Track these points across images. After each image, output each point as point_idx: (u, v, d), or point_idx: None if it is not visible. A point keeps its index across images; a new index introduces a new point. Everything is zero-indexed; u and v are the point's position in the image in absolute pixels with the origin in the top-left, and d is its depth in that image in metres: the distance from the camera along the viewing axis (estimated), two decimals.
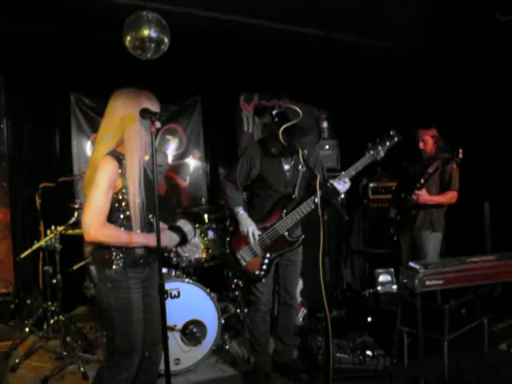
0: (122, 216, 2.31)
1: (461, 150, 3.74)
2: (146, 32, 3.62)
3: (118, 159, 2.26)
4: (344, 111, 6.07)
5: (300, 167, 3.23)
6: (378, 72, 5.71)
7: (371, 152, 3.02)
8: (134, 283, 2.35)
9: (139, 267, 2.38)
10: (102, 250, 2.32)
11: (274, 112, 2.98)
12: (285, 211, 3.17)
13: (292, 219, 3.13)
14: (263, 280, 3.22)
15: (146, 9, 3.74)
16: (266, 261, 3.20)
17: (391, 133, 3.04)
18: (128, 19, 3.69)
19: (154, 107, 2.33)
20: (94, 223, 2.21)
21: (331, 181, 3.01)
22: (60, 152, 5.05)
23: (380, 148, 3.02)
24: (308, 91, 5.80)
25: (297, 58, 5.41)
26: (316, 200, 2.61)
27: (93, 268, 2.26)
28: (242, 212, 3.19)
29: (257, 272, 3.19)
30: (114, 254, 2.31)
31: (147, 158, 2.43)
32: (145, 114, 2.17)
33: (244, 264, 3.19)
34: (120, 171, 2.26)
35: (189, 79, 5.40)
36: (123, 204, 2.30)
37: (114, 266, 2.30)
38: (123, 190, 2.29)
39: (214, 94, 5.68)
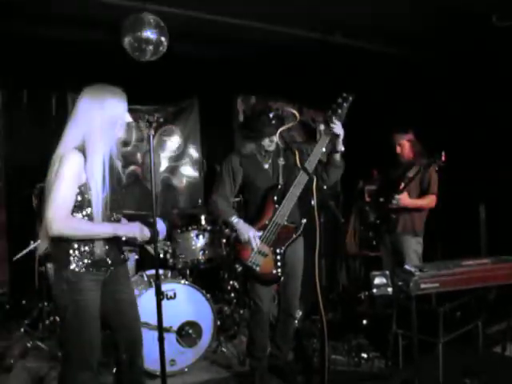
0: (83, 212, 2.26)
1: (443, 153, 3.73)
2: (144, 34, 3.63)
3: (83, 153, 2.22)
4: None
5: (279, 161, 3.26)
6: (376, 75, 5.73)
7: (334, 119, 3.00)
8: (91, 285, 2.29)
9: (99, 269, 2.31)
10: (60, 248, 2.26)
11: (271, 114, 3.00)
12: (277, 203, 3.14)
13: (287, 206, 3.10)
14: (282, 278, 3.18)
15: (145, 10, 3.75)
16: (278, 257, 3.15)
17: (344, 95, 3.04)
18: (126, 21, 3.69)
19: (121, 102, 2.33)
20: (57, 216, 2.16)
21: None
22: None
23: (340, 112, 3.01)
24: (305, 93, 5.82)
25: (294, 61, 5.43)
26: (312, 202, 2.61)
27: (50, 266, 2.21)
28: (236, 220, 3.17)
29: (274, 271, 3.14)
30: (72, 253, 2.25)
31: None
32: (142, 115, 2.19)
33: (258, 269, 3.13)
34: (84, 165, 2.22)
35: (186, 81, 5.41)
36: (85, 200, 2.25)
37: (70, 267, 2.24)
38: (86, 186, 2.24)
39: (212, 96, 5.69)
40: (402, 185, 3.88)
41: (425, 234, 4.09)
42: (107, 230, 2.30)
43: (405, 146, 4.08)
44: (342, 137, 3.04)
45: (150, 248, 3.92)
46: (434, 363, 3.28)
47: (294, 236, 3.19)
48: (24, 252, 3.79)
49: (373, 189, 5.28)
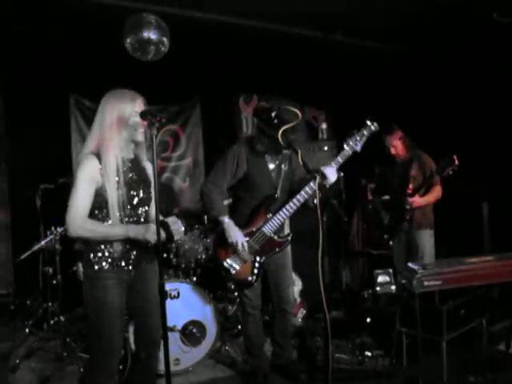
0: (101, 213, 2.35)
1: (455, 157, 3.72)
2: (145, 34, 3.63)
3: (98, 157, 2.31)
4: (342, 112, 6.08)
5: (283, 166, 3.21)
6: (377, 73, 5.73)
7: (350, 143, 3.02)
8: (112, 283, 2.36)
9: (119, 268, 2.39)
10: (87, 249, 2.37)
11: (273, 113, 2.99)
12: (270, 213, 3.12)
13: (278, 220, 3.10)
14: (255, 285, 3.18)
15: (146, 11, 3.76)
16: (257, 265, 3.14)
17: (367, 123, 3.05)
18: (128, 21, 3.70)
19: (128, 104, 2.37)
20: (74, 219, 2.27)
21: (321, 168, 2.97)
22: (60, 153, 5.05)
23: (358, 138, 3.03)
24: (307, 92, 5.82)
25: (296, 60, 5.43)
26: (315, 201, 2.61)
27: (80, 265, 2.35)
28: (227, 221, 3.11)
29: (249, 278, 3.14)
30: (93, 254, 2.35)
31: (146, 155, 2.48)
32: (145, 115, 2.19)
33: (234, 272, 3.13)
34: (100, 167, 2.30)
35: (188, 80, 5.41)
36: (103, 201, 2.33)
37: (92, 265, 2.35)
38: (102, 187, 2.32)
39: (214, 95, 5.69)
40: (412, 187, 3.89)
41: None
42: (119, 232, 2.36)
43: (397, 145, 4.09)
44: (332, 182, 2.98)
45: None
46: (438, 361, 3.28)
47: (277, 250, 3.18)
48: (28, 253, 3.80)
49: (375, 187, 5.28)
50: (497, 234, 4.50)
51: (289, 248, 3.36)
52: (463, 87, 5.22)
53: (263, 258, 3.16)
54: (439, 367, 3.27)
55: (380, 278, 4.14)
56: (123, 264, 2.40)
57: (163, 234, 2.38)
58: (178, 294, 3.55)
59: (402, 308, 3.37)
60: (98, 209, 2.35)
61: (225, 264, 3.13)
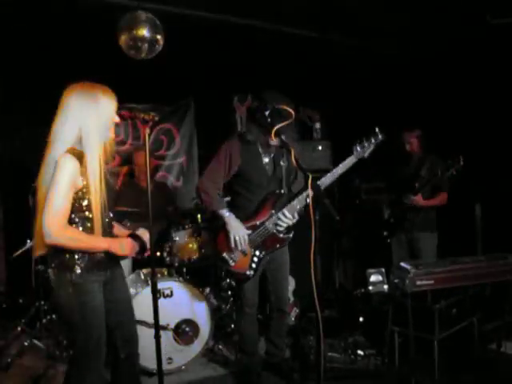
0: (82, 216, 2.25)
1: (461, 158, 3.80)
2: (140, 32, 3.62)
3: (77, 157, 2.19)
4: (337, 112, 6.09)
5: (282, 162, 3.21)
6: (372, 74, 5.74)
7: (358, 150, 3.06)
8: (96, 286, 2.30)
9: (100, 270, 2.32)
10: (63, 252, 2.23)
11: (268, 112, 2.99)
12: (274, 209, 3.13)
13: (286, 219, 3.08)
14: (251, 279, 3.18)
15: (140, 9, 3.75)
16: (256, 259, 3.14)
17: (376, 131, 3.08)
18: (122, 19, 3.69)
19: (112, 101, 2.30)
20: (54, 225, 2.12)
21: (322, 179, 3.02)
22: None
23: (366, 145, 3.06)
24: (301, 92, 5.81)
25: (290, 60, 5.43)
26: (307, 199, 2.62)
27: (50, 271, 2.21)
28: (227, 214, 3.09)
29: (247, 272, 3.14)
30: (76, 256, 2.24)
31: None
32: (138, 113, 2.18)
33: (232, 264, 3.14)
34: (80, 169, 2.19)
35: (182, 80, 5.40)
36: (84, 204, 2.24)
37: (75, 270, 2.23)
38: (84, 190, 2.22)
39: (208, 95, 5.68)
40: (417, 185, 3.93)
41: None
42: (103, 245, 2.29)
43: (414, 143, 4.16)
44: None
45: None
46: (430, 360, 3.30)
47: (278, 247, 3.19)
48: (21, 251, 3.79)
49: (369, 186, 5.29)
50: (489, 235, 4.53)
51: (286, 248, 3.37)
52: (457, 88, 5.24)
53: (263, 252, 3.15)
54: (431, 366, 3.29)
55: (372, 278, 4.16)
56: (103, 265, 2.33)
57: (137, 247, 2.41)
58: (171, 292, 3.55)
59: (394, 307, 3.38)
60: (77, 212, 2.23)
61: (224, 255, 3.13)
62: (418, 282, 3.05)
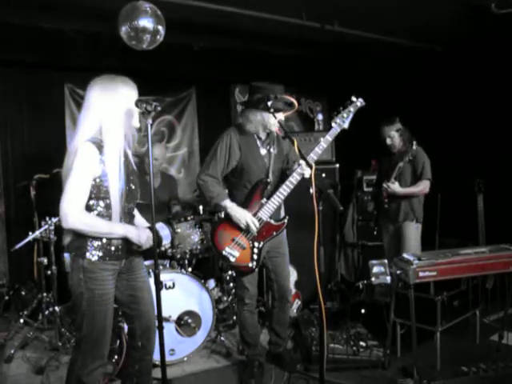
0: (100, 203, 2.29)
1: (415, 142, 3.84)
2: (141, 22, 3.59)
3: (97, 145, 2.23)
4: (339, 104, 6.06)
5: (271, 150, 3.20)
6: (374, 64, 5.71)
7: (338, 121, 3.06)
8: (108, 275, 2.32)
9: (114, 259, 2.35)
10: (79, 238, 2.28)
11: (270, 102, 2.97)
12: (264, 198, 3.11)
13: (273, 204, 3.08)
14: (256, 271, 3.19)
15: None
16: (256, 250, 3.13)
17: (353, 99, 3.10)
18: (123, 9, 3.66)
19: (133, 91, 2.33)
20: (72, 210, 2.17)
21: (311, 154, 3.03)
22: (54, 143, 5.02)
23: (345, 115, 3.07)
24: (303, 83, 5.80)
25: (292, 50, 5.40)
26: (311, 190, 2.60)
27: (67, 255, 2.23)
28: (230, 205, 3.08)
29: (250, 264, 3.14)
30: (90, 244, 2.28)
31: (138, 147, 2.42)
32: (140, 104, 2.17)
33: (233, 260, 3.12)
34: (99, 157, 2.23)
35: (184, 71, 5.38)
36: (102, 191, 2.27)
37: (87, 257, 2.27)
38: (102, 178, 2.25)
39: (210, 86, 5.67)
40: (393, 174, 3.92)
41: (423, 224, 4.12)
42: (119, 231, 2.32)
43: (394, 136, 4.09)
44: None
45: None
46: (432, 351, 3.31)
47: (275, 234, 3.18)
48: (22, 243, 3.78)
49: (371, 178, 5.28)
50: (491, 226, 4.53)
51: (285, 237, 3.37)
52: (460, 80, 5.22)
53: (261, 243, 3.15)
54: (433, 357, 3.31)
55: (375, 269, 4.16)
56: (117, 255, 2.36)
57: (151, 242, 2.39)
58: (174, 284, 3.55)
59: (396, 298, 3.38)
60: (95, 199, 2.27)
61: (223, 252, 3.11)
62: (421, 274, 3.04)
